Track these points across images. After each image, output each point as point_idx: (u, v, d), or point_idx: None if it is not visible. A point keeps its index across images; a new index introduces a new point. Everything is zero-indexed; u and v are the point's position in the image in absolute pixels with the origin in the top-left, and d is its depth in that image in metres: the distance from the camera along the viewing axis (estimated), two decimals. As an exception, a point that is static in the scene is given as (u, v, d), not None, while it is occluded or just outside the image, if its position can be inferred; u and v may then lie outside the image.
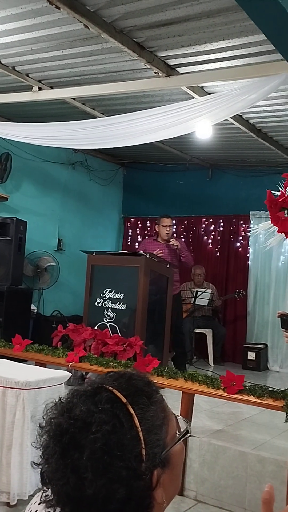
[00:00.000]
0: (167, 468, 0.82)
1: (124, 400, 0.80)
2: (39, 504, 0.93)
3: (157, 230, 5.70)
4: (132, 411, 0.79)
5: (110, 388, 0.82)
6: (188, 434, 0.89)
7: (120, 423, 0.77)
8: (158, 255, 5.21)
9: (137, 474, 0.76)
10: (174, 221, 5.90)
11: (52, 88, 4.83)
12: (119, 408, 0.79)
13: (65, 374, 3.32)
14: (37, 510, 0.94)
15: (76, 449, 0.75)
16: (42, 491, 0.82)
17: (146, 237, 7.87)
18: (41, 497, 0.82)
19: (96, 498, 0.73)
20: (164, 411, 0.86)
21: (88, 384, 0.85)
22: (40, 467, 0.81)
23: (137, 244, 7.60)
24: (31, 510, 0.96)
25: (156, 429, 0.81)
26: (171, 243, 5.46)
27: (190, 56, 3.81)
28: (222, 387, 3.23)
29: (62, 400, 0.83)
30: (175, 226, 7.50)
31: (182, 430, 0.88)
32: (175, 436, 0.86)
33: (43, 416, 0.82)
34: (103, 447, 0.74)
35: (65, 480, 0.75)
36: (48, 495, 0.81)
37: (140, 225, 8.01)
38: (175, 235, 7.02)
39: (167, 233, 5.52)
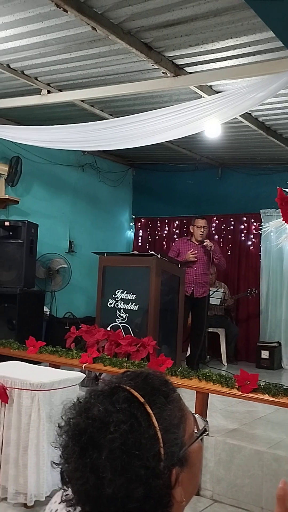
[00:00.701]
0: (185, 467, 0.82)
1: (142, 400, 0.81)
2: (59, 503, 0.94)
3: (192, 230, 5.79)
4: (150, 410, 0.80)
5: (127, 387, 0.83)
6: (206, 433, 0.89)
7: (138, 422, 0.78)
8: (192, 255, 5.43)
9: (156, 473, 0.76)
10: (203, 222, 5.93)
11: (61, 91, 4.85)
12: (137, 408, 0.80)
13: (79, 375, 3.34)
14: (57, 510, 0.95)
15: (94, 449, 0.76)
16: (63, 491, 0.83)
17: (156, 237, 7.91)
18: (61, 497, 0.83)
19: (115, 497, 0.74)
20: (182, 410, 0.86)
21: (105, 384, 0.86)
22: (60, 466, 0.81)
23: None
24: (51, 510, 0.97)
25: (174, 428, 0.81)
26: (205, 243, 5.53)
27: (198, 56, 3.81)
28: (237, 386, 3.22)
29: (80, 400, 0.84)
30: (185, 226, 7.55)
31: (200, 429, 0.88)
32: (193, 435, 0.86)
33: (61, 416, 0.83)
34: (122, 446, 0.75)
35: (84, 480, 0.76)
36: (68, 494, 0.81)
37: (150, 225, 8.02)
38: (216, 236, 7.11)
39: (201, 234, 5.62)
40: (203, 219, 5.71)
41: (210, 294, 6.35)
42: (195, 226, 5.70)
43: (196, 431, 0.88)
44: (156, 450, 0.77)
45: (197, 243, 5.64)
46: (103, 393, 0.83)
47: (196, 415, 0.90)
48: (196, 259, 5.54)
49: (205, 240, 5.56)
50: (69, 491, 0.81)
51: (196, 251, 5.52)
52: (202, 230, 5.63)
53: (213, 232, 7.36)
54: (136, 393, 0.81)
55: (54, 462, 0.83)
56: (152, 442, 0.77)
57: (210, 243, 5.54)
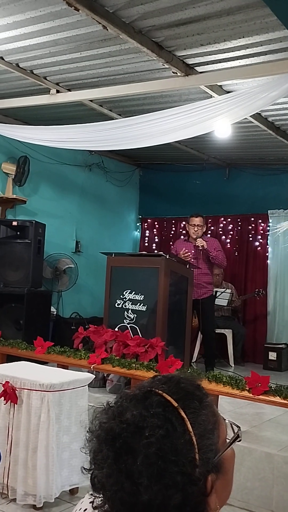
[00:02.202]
0: (220, 474, 0.80)
1: (176, 404, 0.79)
2: (84, 510, 0.91)
3: (187, 229, 5.58)
4: (184, 415, 0.78)
5: (160, 392, 0.81)
6: (239, 439, 0.87)
7: (173, 427, 0.76)
8: (184, 255, 5.15)
9: (192, 480, 0.75)
10: (209, 219, 5.70)
11: (70, 91, 4.84)
12: (171, 412, 0.78)
13: (89, 376, 3.32)
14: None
15: (129, 454, 0.74)
16: (94, 497, 0.81)
17: (163, 237, 7.88)
18: (92, 504, 0.81)
19: (152, 504, 0.72)
20: (215, 415, 0.84)
21: (136, 387, 0.84)
22: (90, 472, 0.79)
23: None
24: None
25: (209, 433, 0.80)
26: (196, 243, 5.32)
27: (209, 55, 3.78)
28: (247, 388, 3.20)
29: (111, 405, 0.82)
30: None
31: (233, 435, 0.87)
32: (226, 441, 0.85)
33: (91, 421, 0.81)
34: (157, 452, 0.73)
35: (119, 486, 0.74)
36: (99, 502, 0.79)
37: (157, 226, 7.99)
38: (223, 237, 6.99)
39: (194, 232, 5.40)
40: (197, 217, 5.45)
41: (217, 295, 6.32)
42: (189, 224, 5.47)
43: (228, 437, 0.86)
44: (191, 456, 0.76)
45: (194, 243, 5.40)
46: (135, 397, 0.81)
47: (228, 421, 0.88)
48: (190, 258, 5.23)
49: (197, 239, 5.33)
50: (99, 499, 0.79)
51: (187, 251, 5.20)
52: (196, 229, 5.39)
53: (220, 232, 7.33)
54: (169, 398, 0.80)
55: (84, 468, 0.81)
56: (188, 448, 0.76)
57: (201, 242, 5.28)
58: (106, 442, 0.77)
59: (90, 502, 0.83)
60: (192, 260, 5.34)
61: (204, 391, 0.86)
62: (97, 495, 0.79)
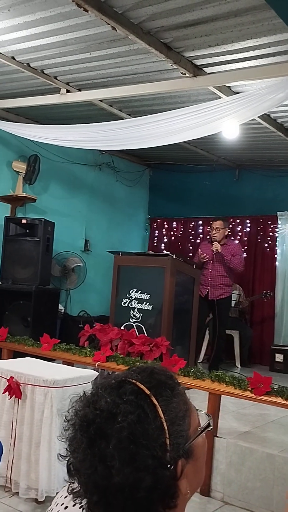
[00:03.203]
0: (190, 459, 0.84)
1: (148, 392, 0.82)
2: (65, 497, 0.95)
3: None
4: (156, 402, 0.81)
5: (134, 381, 0.85)
6: (210, 427, 0.90)
7: (144, 413, 0.79)
8: (201, 256, 5.50)
9: (163, 463, 0.78)
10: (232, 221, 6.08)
11: (80, 90, 4.88)
12: (143, 399, 0.81)
13: (92, 373, 3.35)
14: (63, 503, 0.96)
15: (102, 439, 0.77)
16: (69, 484, 0.84)
17: (172, 238, 7.91)
18: (68, 489, 0.84)
19: (123, 486, 0.75)
20: (186, 404, 0.88)
21: (111, 378, 0.87)
22: (67, 459, 0.82)
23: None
24: (57, 504, 0.98)
25: (179, 420, 0.83)
26: (212, 247, 5.56)
27: (217, 56, 3.79)
28: (249, 389, 3.21)
29: (87, 393, 0.86)
30: (201, 227, 7.53)
31: (203, 424, 0.90)
32: (197, 429, 0.88)
33: (68, 410, 0.84)
34: (129, 436, 0.76)
35: (93, 469, 0.77)
36: (75, 486, 0.83)
37: (166, 226, 8.01)
38: (231, 238, 7.09)
39: (212, 236, 5.66)
40: (217, 221, 5.71)
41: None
42: (211, 227, 5.76)
43: (200, 426, 0.89)
44: (162, 441, 0.79)
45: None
46: (110, 386, 0.84)
47: (200, 411, 0.92)
48: (207, 259, 5.56)
49: (213, 243, 5.58)
50: (75, 484, 0.82)
51: (202, 253, 5.58)
52: (214, 232, 5.65)
53: (229, 233, 7.32)
54: (142, 386, 0.83)
55: (60, 455, 0.84)
56: (158, 433, 0.79)
57: (215, 247, 5.53)
58: (81, 428, 0.80)
59: (67, 495, 0.87)
60: (211, 262, 5.59)
61: (176, 381, 0.90)
62: (72, 481, 0.82)
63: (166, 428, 0.80)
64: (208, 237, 6.41)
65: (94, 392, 0.84)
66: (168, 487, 0.78)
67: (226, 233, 5.75)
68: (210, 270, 5.56)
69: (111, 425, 0.78)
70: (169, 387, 0.86)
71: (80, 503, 0.83)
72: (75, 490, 0.82)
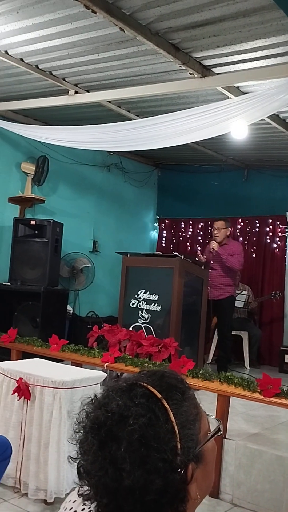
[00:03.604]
0: (200, 464, 0.83)
1: (159, 395, 0.82)
2: (74, 501, 0.95)
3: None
4: (167, 406, 0.81)
5: (145, 384, 0.85)
6: (219, 432, 0.90)
7: (155, 416, 0.79)
8: (198, 256, 5.45)
9: (173, 467, 0.78)
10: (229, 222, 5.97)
11: (88, 92, 4.89)
12: (154, 403, 0.81)
13: (101, 374, 3.35)
14: (72, 508, 0.96)
15: (113, 441, 0.77)
16: (78, 487, 0.84)
17: (180, 238, 7.89)
18: (77, 492, 0.84)
19: (134, 489, 0.75)
20: (197, 408, 0.88)
21: (122, 381, 0.87)
22: (77, 461, 0.82)
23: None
24: (65, 508, 0.98)
25: (190, 424, 0.83)
26: (210, 246, 5.55)
27: (226, 56, 3.78)
28: (259, 390, 3.19)
29: (98, 396, 0.86)
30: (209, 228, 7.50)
31: (213, 429, 0.90)
32: (207, 434, 0.88)
33: (78, 413, 0.84)
34: (140, 438, 0.76)
35: (103, 472, 0.77)
36: (84, 489, 0.82)
37: (174, 226, 8.00)
38: (240, 238, 7.11)
39: (214, 235, 5.65)
40: (219, 221, 5.70)
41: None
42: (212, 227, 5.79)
43: (209, 430, 0.89)
44: (173, 444, 0.79)
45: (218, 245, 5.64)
46: (121, 389, 0.84)
47: (210, 416, 0.92)
48: (206, 259, 5.56)
49: (211, 242, 5.58)
50: (85, 487, 0.82)
51: (205, 253, 5.60)
52: (215, 232, 5.63)
53: (238, 234, 7.30)
54: (153, 389, 0.83)
55: (71, 457, 0.84)
56: (169, 436, 0.79)
57: (213, 245, 5.50)
58: (92, 430, 0.80)
59: (78, 494, 0.86)
60: (212, 262, 5.56)
61: (187, 385, 0.89)
62: (82, 483, 0.82)
63: (177, 431, 0.80)
64: (210, 237, 6.49)
65: (105, 394, 0.85)
66: (178, 491, 0.78)
67: (227, 233, 5.72)
68: (210, 270, 5.54)
69: (122, 427, 0.78)
70: (180, 391, 0.86)
71: (89, 507, 0.83)
72: (85, 493, 0.82)
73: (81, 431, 0.82)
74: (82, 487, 0.83)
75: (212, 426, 0.90)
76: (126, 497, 0.75)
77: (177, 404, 0.83)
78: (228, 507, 3.17)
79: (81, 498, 0.83)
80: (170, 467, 0.77)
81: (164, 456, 0.77)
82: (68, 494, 2.91)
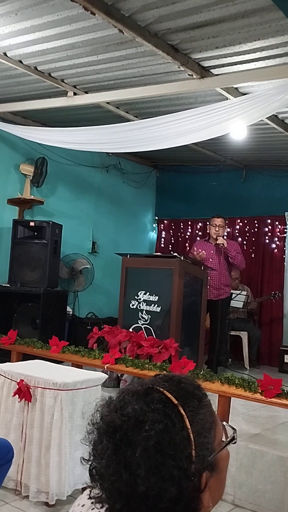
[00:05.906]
0: (214, 472, 0.83)
1: (175, 402, 0.82)
2: (82, 506, 0.94)
3: (208, 230, 5.69)
4: (183, 412, 0.81)
5: (161, 389, 0.84)
6: (234, 441, 0.89)
7: (172, 423, 0.79)
8: (198, 255, 5.26)
9: (188, 475, 0.77)
10: (226, 221, 5.82)
11: (87, 93, 4.89)
12: (171, 409, 0.80)
13: (102, 376, 3.36)
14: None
15: (129, 446, 0.77)
16: (90, 489, 0.83)
17: (179, 239, 7.89)
18: (89, 494, 0.84)
19: (148, 496, 0.74)
20: (212, 416, 0.87)
21: (138, 384, 0.87)
22: (89, 463, 0.82)
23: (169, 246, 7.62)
24: None
25: (206, 432, 0.82)
26: (217, 241, 5.41)
27: (225, 57, 3.78)
28: (260, 391, 3.19)
29: (113, 399, 0.85)
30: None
31: (228, 436, 0.89)
32: (221, 442, 0.87)
33: (92, 414, 0.84)
34: (156, 445, 0.76)
35: (117, 476, 0.76)
36: (96, 492, 0.82)
37: (173, 227, 8.00)
38: (239, 238, 7.00)
39: (215, 232, 5.50)
40: (219, 218, 5.56)
41: (233, 297, 6.30)
42: (211, 225, 5.58)
43: (224, 438, 0.88)
44: (188, 452, 0.78)
45: (213, 244, 5.51)
46: (137, 392, 0.84)
47: (225, 423, 0.90)
48: (207, 259, 5.36)
49: (218, 238, 5.43)
50: (96, 490, 0.82)
51: (201, 250, 5.34)
52: (217, 229, 5.48)
53: (237, 234, 7.31)
54: (170, 395, 0.82)
55: (83, 458, 0.83)
56: (185, 444, 0.78)
57: (222, 241, 5.37)
58: (106, 434, 0.80)
59: (88, 498, 0.86)
60: (210, 260, 5.43)
61: (203, 392, 0.89)
62: (94, 486, 0.82)
63: (192, 439, 0.79)
64: (198, 238, 6.33)
65: (121, 397, 0.84)
66: (191, 499, 0.78)
67: (225, 232, 5.67)
68: (209, 270, 5.42)
69: (138, 433, 0.77)
70: (197, 397, 0.85)
71: (101, 508, 0.82)
72: (96, 496, 0.82)
73: (95, 432, 0.82)
74: (93, 490, 0.82)
75: (228, 433, 0.90)
76: (139, 503, 0.75)
77: (194, 412, 0.82)
78: (229, 508, 3.17)
79: (92, 500, 0.83)
80: (184, 475, 0.76)
81: (179, 464, 0.76)
82: (69, 496, 2.92)
